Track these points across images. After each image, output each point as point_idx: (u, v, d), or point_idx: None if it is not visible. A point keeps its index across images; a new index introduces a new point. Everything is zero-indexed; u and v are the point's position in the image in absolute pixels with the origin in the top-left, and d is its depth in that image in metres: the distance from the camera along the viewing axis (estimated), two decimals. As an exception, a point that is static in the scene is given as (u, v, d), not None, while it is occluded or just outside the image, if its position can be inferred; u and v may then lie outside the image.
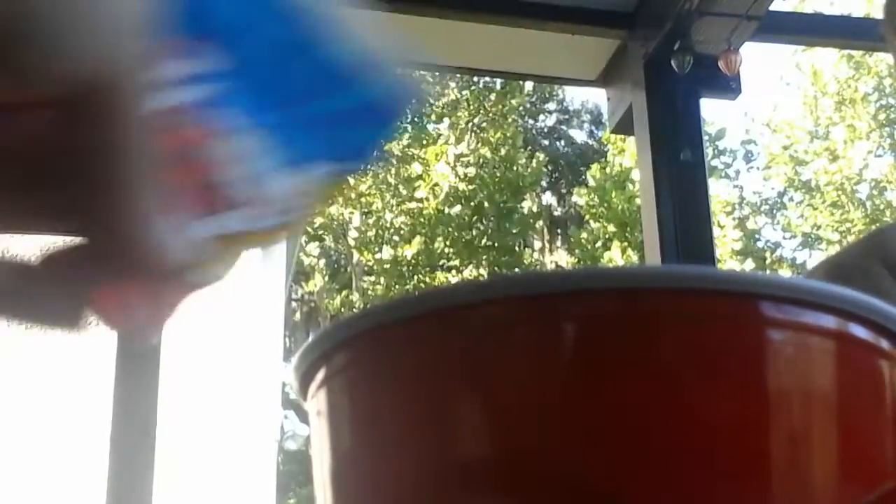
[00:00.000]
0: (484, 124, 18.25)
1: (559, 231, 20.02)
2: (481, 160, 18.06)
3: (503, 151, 18.09)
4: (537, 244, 19.79)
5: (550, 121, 21.61)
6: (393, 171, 17.91)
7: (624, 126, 3.65)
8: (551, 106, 21.58)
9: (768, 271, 13.21)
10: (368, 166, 0.66)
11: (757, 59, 19.85)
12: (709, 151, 17.39)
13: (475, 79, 17.42)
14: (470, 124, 18.08)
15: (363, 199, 18.21)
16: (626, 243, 16.68)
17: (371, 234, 18.25)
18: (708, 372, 0.53)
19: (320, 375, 0.65)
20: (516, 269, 16.88)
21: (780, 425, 0.53)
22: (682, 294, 0.54)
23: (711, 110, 26.42)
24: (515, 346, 0.59)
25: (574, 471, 0.54)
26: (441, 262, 18.07)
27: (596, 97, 21.05)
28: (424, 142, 17.87)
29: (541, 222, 19.77)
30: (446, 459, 0.57)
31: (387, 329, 0.65)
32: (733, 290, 0.54)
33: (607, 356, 0.55)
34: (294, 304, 20.65)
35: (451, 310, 0.61)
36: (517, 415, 0.57)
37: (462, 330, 0.62)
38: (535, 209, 19.57)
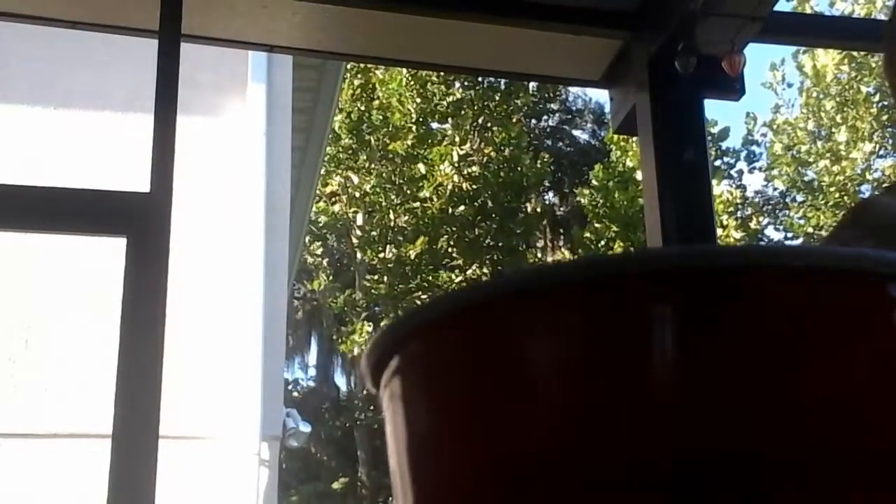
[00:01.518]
0: (488, 124, 18.24)
1: (562, 231, 20.03)
2: (485, 160, 18.05)
3: (507, 151, 18.09)
4: (540, 244, 19.80)
5: (554, 121, 21.62)
6: (397, 170, 17.91)
7: (627, 126, 3.64)
8: (555, 106, 21.58)
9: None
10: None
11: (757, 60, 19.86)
12: (712, 152, 17.39)
13: (479, 79, 17.42)
14: (474, 124, 18.07)
15: (367, 199, 18.20)
16: (628, 243, 16.68)
17: (375, 233, 18.25)
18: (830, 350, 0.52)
19: (394, 363, 0.64)
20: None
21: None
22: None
23: (714, 111, 26.43)
24: (622, 329, 0.56)
25: (688, 466, 0.52)
26: (444, 262, 18.07)
27: (599, 97, 21.07)
28: (429, 142, 17.87)
29: (544, 222, 19.78)
30: (525, 447, 0.56)
31: (464, 314, 0.63)
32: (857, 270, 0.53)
33: (717, 341, 0.53)
34: (297, 302, 20.66)
35: (541, 292, 0.58)
36: (614, 405, 0.55)
37: (551, 312, 0.59)
38: (538, 209, 19.57)
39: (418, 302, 15.35)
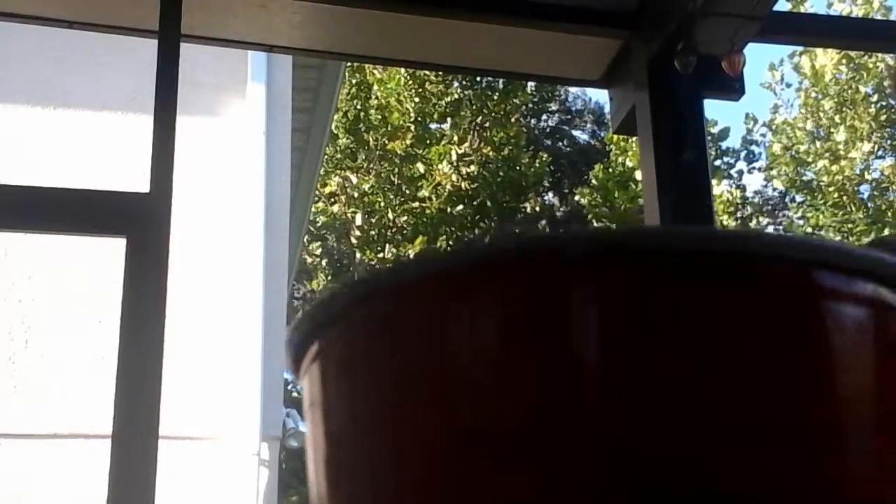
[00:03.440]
0: (487, 124, 18.23)
1: (561, 231, 19.99)
2: (484, 160, 18.04)
3: (506, 151, 18.08)
4: (539, 244, 19.75)
5: (553, 121, 21.61)
6: (396, 170, 17.90)
7: (627, 126, 3.65)
8: (554, 106, 21.57)
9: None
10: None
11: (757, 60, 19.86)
12: (711, 152, 17.39)
13: (478, 79, 17.41)
14: (473, 124, 18.06)
15: (366, 199, 18.19)
16: (628, 243, 16.63)
17: (374, 233, 18.24)
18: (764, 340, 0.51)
19: (313, 349, 0.61)
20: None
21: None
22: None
23: (714, 110, 26.44)
24: (539, 309, 0.54)
25: (620, 442, 0.50)
26: (443, 262, 18.02)
27: (599, 97, 21.06)
28: (427, 141, 17.85)
29: (543, 222, 19.77)
30: (456, 433, 0.54)
31: (385, 296, 0.59)
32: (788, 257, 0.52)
33: (653, 322, 0.51)
34: (297, 302, 20.65)
35: (463, 271, 0.56)
36: (551, 381, 0.53)
37: (474, 294, 0.57)
38: (537, 209, 19.56)
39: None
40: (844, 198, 17.54)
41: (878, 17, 17.38)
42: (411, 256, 17.27)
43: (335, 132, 17.14)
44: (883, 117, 17.69)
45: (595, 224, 17.55)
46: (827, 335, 0.53)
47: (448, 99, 17.82)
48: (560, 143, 21.49)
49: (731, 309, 0.52)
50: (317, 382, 0.63)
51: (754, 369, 0.51)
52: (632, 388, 0.52)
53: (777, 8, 3.47)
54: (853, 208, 17.45)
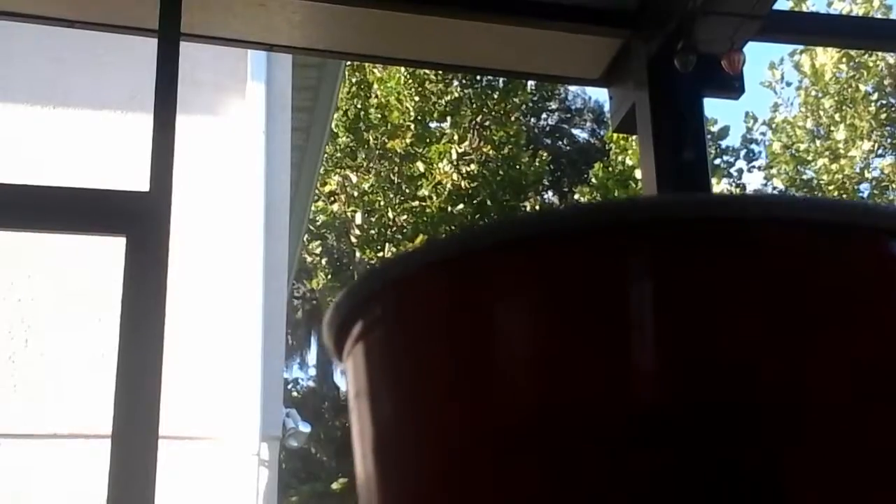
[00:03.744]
0: (487, 123, 18.23)
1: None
2: (484, 159, 18.03)
3: (506, 150, 18.07)
4: (539, 243, 19.76)
5: (553, 119, 21.61)
6: (396, 169, 17.90)
7: (627, 125, 3.64)
8: (554, 105, 21.57)
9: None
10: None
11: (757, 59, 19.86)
12: (711, 150, 17.40)
13: (478, 78, 17.40)
14: (473, 123, 18.06)
15: (366, 198, 18.19)
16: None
17: (374, 232, 18.23)
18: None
19: (356, 329, 0.58)
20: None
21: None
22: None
23: (713, 109, 26.44)
24: (603, 282, 0.51)
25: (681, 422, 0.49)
26: (443, 261, 18.02)
27: (599, 96, 21.06)
28: (427, 140, 17.85)
29: (543, 221, 19.73)
30: (502, 414, 0.53)
31: (433, 270, 0.56)
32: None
33: (717, 293, 0.49)
34: (296, 301, 20.65)
35: (520, 243, 0.53)
36: (596, 360, 0.51)
37: (534, 266, 0.53)
38: (537, 207, 19.56)
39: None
40: (844, 196, 17.53)
41: (879, 15, 17.37)
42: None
43: (335, 131, 17.13)
44: (883, 116, 17.69)
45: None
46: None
47: (448, 98, 17.81)
48: (560, 142, 21.50)
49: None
50: (362, 366, 0.60)
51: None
52: (699, 372, 0.51)
53: (777, 7, 3.46)
54: (853, 207, 17.43)
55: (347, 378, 0.62)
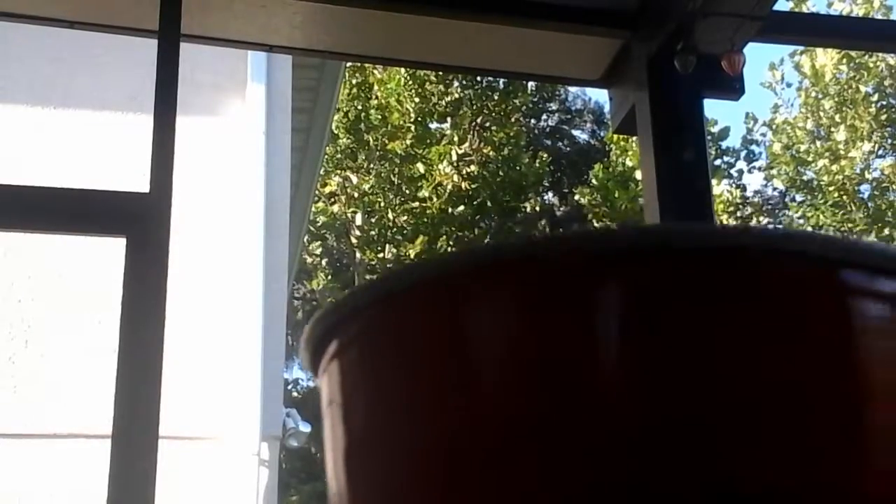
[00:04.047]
0: (487, 124, 18.23)
1: (562, 230, 20.00)
2: (484, 160, 18.04)
3: (506, 151, 18.08)
4: (540, 244, 19.73)
5: (553, 120, 21.61)
6: (396, 170, 17.90)
7: (627, 126, 3.64)
8: (554, 106, 21.57)
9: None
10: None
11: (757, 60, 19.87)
12: (711, 151, 17.39)
13: (478, 79, 17.41)
14: (473, 124, 18.06)
15: (366, 199, 18.19)
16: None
17: (374, 233, 18.24)
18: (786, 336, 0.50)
19: (332, 347, 0.61)
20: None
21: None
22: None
23: (713, 110, 26.45)
24: (568, 306, 0.53)
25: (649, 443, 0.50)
26: (443, 262, 17.99)
27: (599, 97, 21.06)
28: (428, 141, 17.85)
29: (543, 222, 19.77)
30: (474, 429, 0.54)
31: (403, 295, 0.59)
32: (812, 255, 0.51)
33: (664, 320, 0.51)
34: (297, 302, 20.64)
35: (486, 270, 0.56)
36: (563, 378, 0.52)
37: (496, 292, 0.55)
38: (537, 209, 19.56)
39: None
40: (844, 197, 17.54)
41: (879, 16, 17.38)
42: (413, 258, 17.30)
43: (336, 132, 17.14)
44: (883, 117, 17.69)
45: (595, 224, 17.55)
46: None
47: (448, 99, 17.82)
48: (560, 143, 21.49)
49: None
50: (336, 380, 0.62)
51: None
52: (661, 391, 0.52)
53: (777, 7, 3.47)
54: (853, 208, 17.45)
55: (322, 392, 0.65)
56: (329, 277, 19.45)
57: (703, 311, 0.53)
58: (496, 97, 18.16)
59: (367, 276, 18.57)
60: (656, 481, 0.50)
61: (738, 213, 18.76)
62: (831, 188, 17.69)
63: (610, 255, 0.55)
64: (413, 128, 17.63)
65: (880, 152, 18.04)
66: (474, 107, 18.01)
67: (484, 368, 0.56)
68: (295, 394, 20.73)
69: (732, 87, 3.48)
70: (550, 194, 20.74)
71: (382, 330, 0.60)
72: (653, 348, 0.52)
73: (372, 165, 18.03)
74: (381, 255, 18.10)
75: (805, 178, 18.53)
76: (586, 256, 0.55)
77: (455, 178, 17.64)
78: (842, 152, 17.78)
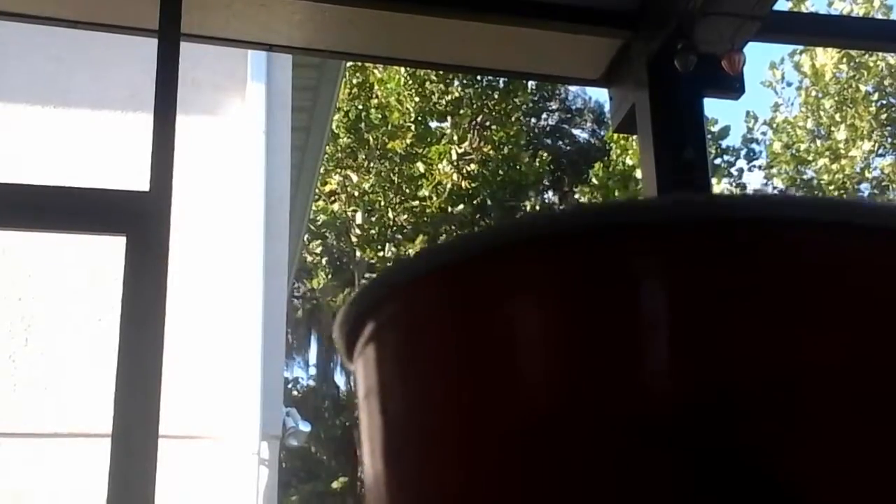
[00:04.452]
0: (487, 123, 18.23)
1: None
2: (484, 159, 18.04)
3: (506, 150, 18.08)
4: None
5: (553, 120, 21.61)
6: (396, 169, 17.90)
7: (627, 125, 3.64)
8: (554, 105, 21.57)
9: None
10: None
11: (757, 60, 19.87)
12: (712, 150, 17.40)
13: (478, 78, 17.40)
14: (473, 123, 18.06)
15: (366, 198, 18.20)
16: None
17: (374, 232, 18.24)
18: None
19: (368, 329, 0.59)
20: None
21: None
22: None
23: (714, 109, 26.46)
24: (624, 279, 0.51)
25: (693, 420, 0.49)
26: (444, 261, 18.00)
27: (599, 96, 21.06)
28: (428, 140, 17.86)
29: (543, 221, 19.72)
30: (519, 412, 0.52)
31: (444, 272, 0.56)
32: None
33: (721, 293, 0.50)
34: (297, 301, 20.64)
35: (535, 243, 0.53)
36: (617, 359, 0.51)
37: (550, 266, 0.53)
38: (537, 208, 19.55)
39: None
40: (844, 196, 17.54)
41: (879, 16, 17.38)
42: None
43: (336, 131, 17.14)
44: (883, 116, 17.69)
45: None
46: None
47: (448, 98, 17.82)
48: (560, 142, 21.49)
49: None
50: (372, 366, 0.60)
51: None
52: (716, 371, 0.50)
53: (777, 7, 3.47)
54: (853, 207, 17.43)
55: (357, 378, 0.62)
56: (329, 276, 19.46)
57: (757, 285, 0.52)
58: (496, 96, 18.17)
59: (367, 275, 18.57)
60: (695, 467, 0.49)
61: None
62: (831, 187, 17.70)
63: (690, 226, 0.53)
64: (413, 127, 17.64)
65: (880, 151, 18.04)
66: (474, 106, 18.01)
67: (540, 353, 0.54)
68: (295, 393, 20.73)
69: (732, 87, 3.48)
70: (550, 193, 20.74)
71: (424, 310, 0.58)
72: (708, 327, 0.51)
73: (372, 164, 18.03)
74: (381, 253, 18.10)
75: (805, 176, 18.54)
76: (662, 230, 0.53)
77: (455, 177, 17.65)
78: (842, 151, 17.78)
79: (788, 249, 0.51)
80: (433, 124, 18.27)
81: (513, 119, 18.48)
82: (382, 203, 18.01)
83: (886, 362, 0.50)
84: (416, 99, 17.53)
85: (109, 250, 4.72)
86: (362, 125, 17.70)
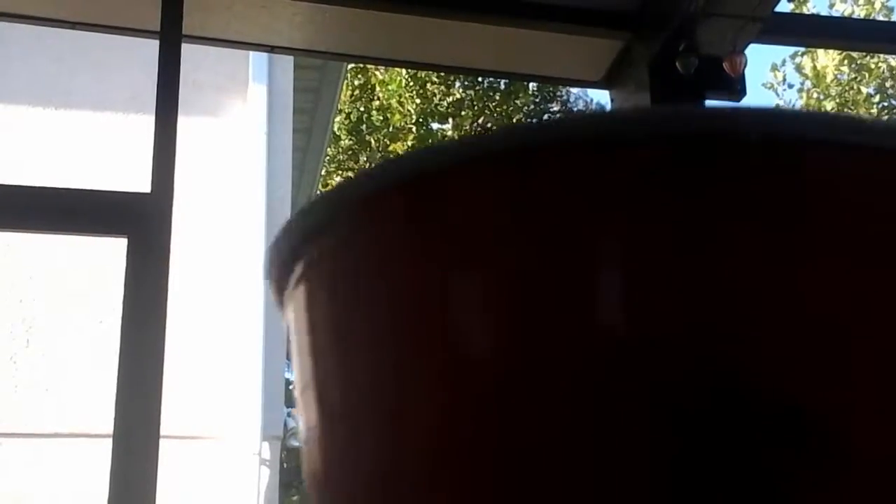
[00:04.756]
0: (489, 125, 18.22)
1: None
2: (485, 160, 18.04)
3: (507, 151, 18.08)
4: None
5: (554, 121, 21.59)
6: (397, 170, 17.89)
7: (628, 127, 3.64)
8: (555, 107, 21.57)
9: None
10: None
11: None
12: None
13: (479, 80, 17.40)
14: (475, 125, 18.06)
15: (367, 199, 18.19)
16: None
17: (375, 233, 18.24)
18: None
19: (299, 267, 0.53)
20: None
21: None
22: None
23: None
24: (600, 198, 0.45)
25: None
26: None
27: (600, 98, 21.04)
28: (429, 142, 17.85)
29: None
30: (474, 357, 0.46)
31: (388, 193, 0.49)
32: None
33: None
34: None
35: (487, 158, 0.47)
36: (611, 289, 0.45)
37: (507, 184, 0.46)
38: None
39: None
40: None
41: (880, 17, 17.37)
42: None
43: (337, 133, 17.14)
44: (885, 118, 17.68)
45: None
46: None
47: (450, 99, 17.82)
48: (561, 144, 21.45)
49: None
50: (302, 311, 0.52)
51: None
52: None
53: (778, 9, 3.47)
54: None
55: (288, 320, 0.57)
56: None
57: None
58: (498, 98, 18.17)
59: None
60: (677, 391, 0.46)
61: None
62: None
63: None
64: (415, 129, 17.64)
65: (882, 153, 18.04)
66: (476, 108, 18.01)
67: (478, 285, 0.46)
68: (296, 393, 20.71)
69: (734, 89, 3.48)
70: (552, 195, 20.71)
71: (360, 239, 0.50)
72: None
73: (373, 166, 18.02)
74: (382, 255, 18.10)
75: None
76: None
77: (456, 178, 17.64)
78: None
79: (789, 167, 0.48)
80: (435, 126, 18.27)
81: (514, 121, 18.48)
82: (383, 204, 18.00)
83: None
84: (418, 101, 17.53)
85: (111, 252, 4.72)
86: (364, 127, 17.70)
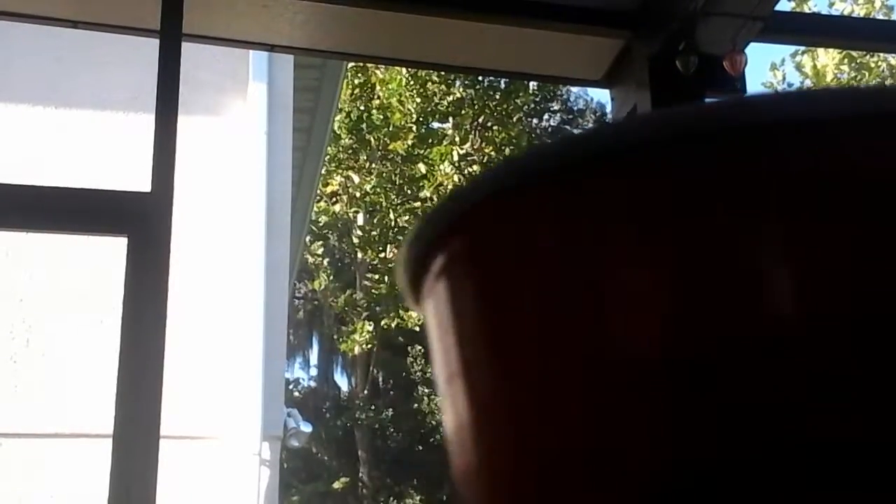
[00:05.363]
0: (489, 124, 18.23)
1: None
2: (486, 160, 18.03)
3: (508, 151, 18.07)
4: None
5: (555, 121, 21.60)
6: (398, 170, 17.90)
7: (628, 126, 3.64)
8: (556, 106, 21.57)
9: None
10: None
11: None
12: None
13: (480, 79, 17.41)
14: (474, 124, 18.06)
15: (368, 199, 18.20)
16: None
17: (375, 233, 18.24)
18: None
19: (437, 265, 0.53)
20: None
21: None
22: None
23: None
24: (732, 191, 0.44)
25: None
26: (445, 262, 18.01)
27: (600, 97, 21.06)
28: (429, 141, 17.86)
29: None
30: (618, 350, 0.45)
31: (527, 190, 0.49)
32: None
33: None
34: (298, 302, 20.65)
35: (628, 152, 0.46)
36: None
37: (647, 177, 0.46)
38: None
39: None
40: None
41: (880, 16, 17.37)
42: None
43: (337, 132, 17.15)
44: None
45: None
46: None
47: (450, 99, 17.82)
48: (561, 143, 21.46)
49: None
50: (444, 305, 0.51)
51: None
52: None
53: (778, 8, 3.46)
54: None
55: (427, 324, 0.56)
56: (330, 277, 19.46)
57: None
58: (498, 97, 18.17)
59: (369, 276, 18.59)
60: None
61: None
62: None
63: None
64: (415, 128, 17.64)
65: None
66: (476, 107, 18.01)
67: (619, 284, 0.46)
68: (296, 394, 20.73)
69: (734, 88, 3.48)
70: (552, 194, 20.71)
71: (498, 236, 0.50)
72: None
73: (374, 165, 18.04)
74: (382, 255, 18.11)
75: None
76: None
77: (456, 178, 17.64)
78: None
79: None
80: (435, 125, 18.28)
81: (514, 120, 18.48)
82: (384, 204, 18.01)
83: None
84: (418, 100, 17.53)
85: (111, 251, 4.72)
86: (364, 126, 17.71)
